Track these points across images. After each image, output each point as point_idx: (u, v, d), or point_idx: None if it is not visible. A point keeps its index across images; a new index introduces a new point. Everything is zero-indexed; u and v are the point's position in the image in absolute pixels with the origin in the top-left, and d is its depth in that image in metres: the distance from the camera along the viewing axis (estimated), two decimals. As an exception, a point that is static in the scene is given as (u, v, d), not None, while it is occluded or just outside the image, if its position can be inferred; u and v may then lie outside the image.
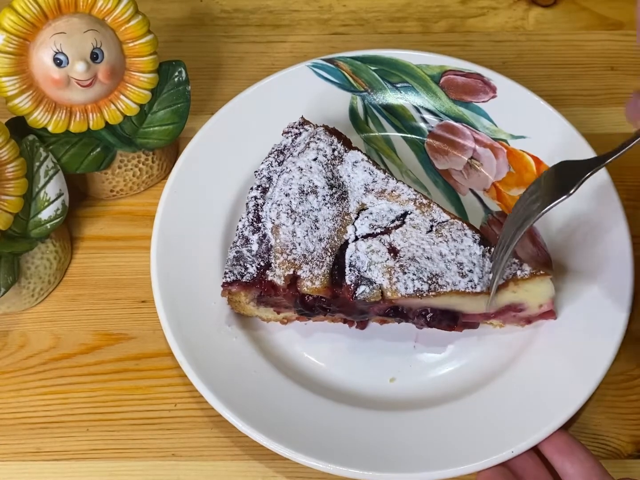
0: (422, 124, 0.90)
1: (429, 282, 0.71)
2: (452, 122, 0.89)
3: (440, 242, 0.73)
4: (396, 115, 0.91)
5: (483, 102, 0.89)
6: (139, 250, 0.81)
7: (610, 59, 0.99)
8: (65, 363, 0.80)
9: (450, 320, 0.75)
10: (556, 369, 0.74)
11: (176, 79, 0.85)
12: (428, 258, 0.73)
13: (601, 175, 0.81)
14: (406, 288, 0.71)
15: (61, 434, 0.77)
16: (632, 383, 0.79)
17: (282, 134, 0.81)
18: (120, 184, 0.88)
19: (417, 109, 0.90)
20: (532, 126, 0.86)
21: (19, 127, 0.79)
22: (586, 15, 1.03)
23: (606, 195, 0.81)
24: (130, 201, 0.90)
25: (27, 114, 0.79)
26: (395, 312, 0.75)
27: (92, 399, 0.78)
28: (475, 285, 0.72)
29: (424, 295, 0.71)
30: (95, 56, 0.78)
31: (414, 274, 0.72)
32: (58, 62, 0.76)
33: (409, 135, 0.90)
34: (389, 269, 0.72)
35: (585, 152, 0.83)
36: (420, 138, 0.90)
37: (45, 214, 0.80)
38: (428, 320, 0.75)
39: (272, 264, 0.74)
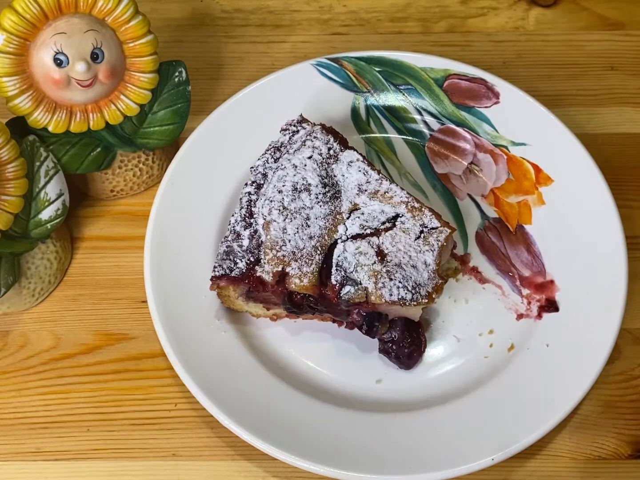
0: (424, 127, 0.90)
1: (413, 291, 0.71)
2: (453, 126, 0.89)
3: (427, 250, 0.73)
4: (398, 117, 0.91)
5: (486, 107, 0.88)
6: (139, 250, 0.81)
7: (610, 59, 0.99)
8: (66, 363, 0.80)
9: (405, 365, 0.76)
10: (542, 378, 0.74)
11: (176, 79, 0.85)
12: (413, 267, 0.72)
13: (595, 177, 0.81)
14: (391, 295, 0.71)
15: (61, 434, 0.77)
16: (632, 383, 0.79)
17: (280, 132, 0.81)
18: (121, 184, 0.88)
19: (419, 111, 0.90)
20: (534, 133, 0.86)
21: (19, 127, 0.79)
22: (586, 15, 1.03)
23: (600, 196, 0.81)
24: (130, 201, 0.90)
25: (28, 114, 0.79)
26: (369, 328, 0.75)
27: (92, 399, 0.78)
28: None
29: (407, 304, 0.71)
30: (95, 56, 0.78)
31: (399, 282, 0.71)
32: (58, 62, 0.76)
33: (409, 138, 0.90)
34: (376, 273, 0.72)
35: (586, 163, 0.82)
36: (421, 141, 0.90)
37: (45, 214, 0.80)
38: (393, 349, 0.75)
39: (262, 260, 0.74)
